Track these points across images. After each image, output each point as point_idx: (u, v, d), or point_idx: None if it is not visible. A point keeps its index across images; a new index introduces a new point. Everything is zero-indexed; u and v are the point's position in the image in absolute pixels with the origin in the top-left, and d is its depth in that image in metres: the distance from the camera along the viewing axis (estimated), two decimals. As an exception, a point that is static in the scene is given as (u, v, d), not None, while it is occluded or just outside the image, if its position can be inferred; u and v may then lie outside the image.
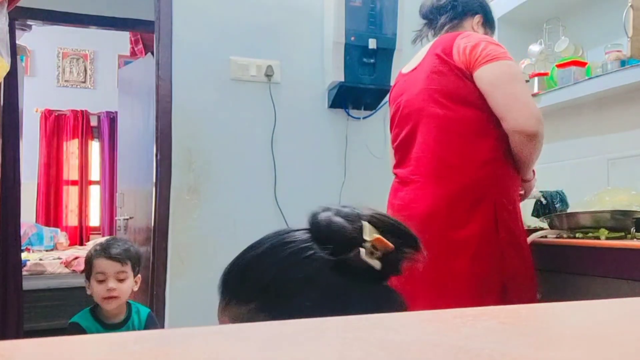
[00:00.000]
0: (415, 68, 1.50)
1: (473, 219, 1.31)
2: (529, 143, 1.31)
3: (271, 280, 0.66)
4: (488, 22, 1.59)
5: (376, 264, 0.61)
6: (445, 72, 1.38)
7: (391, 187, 1.55)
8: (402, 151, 1.50)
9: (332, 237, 0.63)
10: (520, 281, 1.33)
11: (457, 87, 1.36)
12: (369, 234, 0.61)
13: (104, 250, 1.58)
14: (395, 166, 1.54)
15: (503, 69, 1.32)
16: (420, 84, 1.44)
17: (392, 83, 2.29)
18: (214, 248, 2.17)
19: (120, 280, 1.56)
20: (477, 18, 1.55)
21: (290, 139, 2.33)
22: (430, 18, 1.59)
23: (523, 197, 1.57)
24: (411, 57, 1.60)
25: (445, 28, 1.54)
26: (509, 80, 1.32)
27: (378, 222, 0.63)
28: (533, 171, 1.50)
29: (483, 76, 1.32)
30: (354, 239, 0.61)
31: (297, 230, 0.68)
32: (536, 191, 1.69)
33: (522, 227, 1.40)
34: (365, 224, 0.62)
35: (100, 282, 1.56)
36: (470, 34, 1.41)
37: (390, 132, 1.60)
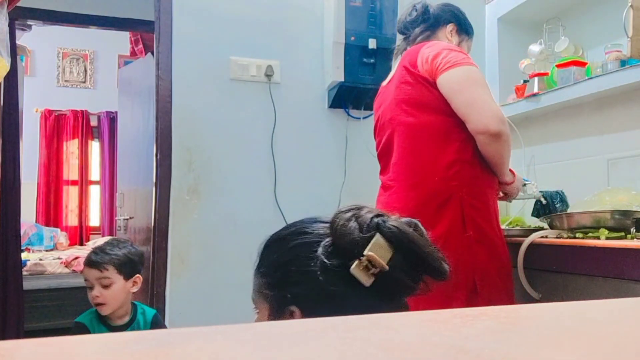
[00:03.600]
0: (390, 80, 1.59)
1: (441, 219, 1.36)
2: (493, 143, 1.36)
3: (281, 265, 0.67)
4: (462, 29, 1.64)
5: (366, 279, 0.59)
6: (412, 82, 1.45)
7: (378, 192, 1.63)
8: (383, 159, 1.59)
9: (339, 240, 0.63)
10: (492, 279, 1.37)
11: (422, 96, 1.44)
12: (373, 247, 0.59)
13: (87, 257, 1.60)
14: (380, 172, 1.63)
15: (463, 75, 1.38)
16: (391, 95, 1.53)
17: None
18: (214, 248, 2.17)
19: (105, 287, 1.56)
20: (450, 27, 1.61)
21: (290, 139, 2.33)
22: (405, 33, 1.66)
23: (506, 198, 1.63)
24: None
25: (420, 38, 1.60)
26: (469, 84, 1.37)
27: (393, 238, 0.61)
28: (512, 172, 1.54)
29: (444, 82, 1.39)
30: (355, 249, 0.61)
31: (323, 222, 0.68)
32: (536, 191, 1.69)
33: (495, 226, 1.44)
34: (377, 237, 0.60)
35: (90, 289, 1.58)
36: (434, 44, 1.47)
37: (375, 141, 1.68)
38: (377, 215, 0.64)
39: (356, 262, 0.60)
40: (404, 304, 0.66)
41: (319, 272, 0.63)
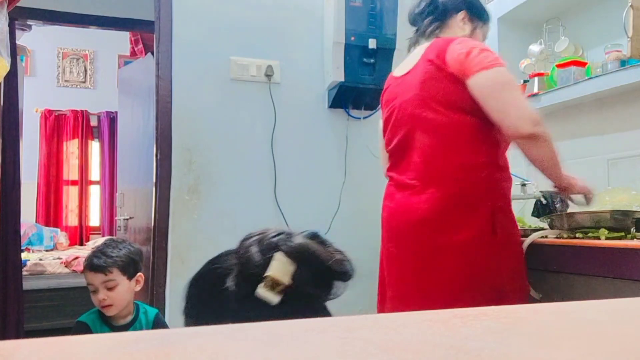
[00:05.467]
0: (408, 72, 1.51)
1: (469, 223, 1.33)
2: (531, 146, 1.33)
3: (195, 307, 0.69)
4: (475, 16, 1.57)
5: (274, 299, 0.61)
6: (440, 79, 1.40)
7: (386, 189, 1.57)
8: (396, 155, 1.53)
9: (244, 268, 0.64)
10: (516, 282, 1.36)
11: (450, 94, 1.39)
12: (275, 266, 0.61)
13: (88, 262, 1.59)
14: (390, 169, 1.56)
15: (495, 77, 1.33)
16: (413, 89, 1.45)
17: (391, 83, 2.31)
18: (214, 248, 2.14)
19: (110, 289, 1.55)
20: (461, 15, 1.54)
21: (290, 139, 2.33)
22: (416, 24, 1.61)
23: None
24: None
25: (431, 30, 1.55)
26: (502, 87, 1.33)
27: (293, 253, 0.63)
28: (564, 175, 1.43)
29: (476, 84, 1.34)
30: (259, 271, 0.62)
31: (230, 253, 0.69)
32: (536, 191, 1.69)
33: (517, 228, 1.44)
34: (278, 257, 0.62)
35: (93, 292, 1.57)
36: (463, 40, 1.42)
37: (383, 135, 1.61)
38: (278, 235, 0.66)
39: (261, 285, 0.61)
40: (323, 310, 0.66)
41: (233, 305, 0.64)
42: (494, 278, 1.32)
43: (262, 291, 0.61)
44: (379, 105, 2.42)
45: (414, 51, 1.56)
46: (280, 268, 0.61)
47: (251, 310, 0.62)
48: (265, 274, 0.61)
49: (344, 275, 0.65)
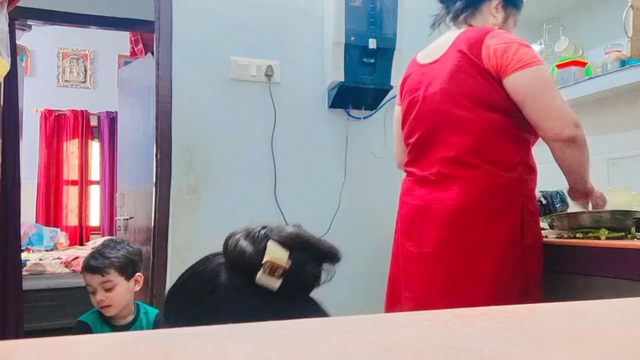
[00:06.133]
0: (436, 61, 1.42)
1: (499, 223, 1.29)
2: (568, 149, 1.29)
3: (187, 312, 0.68)
4: (510, 2, 1.48)
5: (274, 283, 0.61)
6: (472, 74, 1.33)
7: (404, 185, 1.51)
8: (418, 149, 1.46)
9: (237, 262, 0.64)
10: (540, 283, 1.34)
11: (482, 90, 1.32)
12: (270, 254, 0.62)
13: (86, 263, 1.59)
14: (409, 164, 1.49)
15: (535, 76, 1.28)
16: (442, 81, 1.38)
17: (392, 83, 2.29)
18: (214, 248, 2.15)
19: (108, 290, 1.56)
20: (495, 1, 1.46)
21: (290, 139, 2.33)
22: (446, 3, 1.51)
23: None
24: (423, 47, 1.54)
25: (462, 14, 1.46)
26: (541, 88, 1.27)
27: (285, 239, 0.64)
28: (589, 182, 1.40)
29: (515, 84, 1.28)
30: (254, 261, 0.62)
31: (216, 255, 0.70)
32: (537, 191, 1.69)
33: (541, 231, 1.40)
34: (270, 244, 0.63)
35: (92, 293, 1.58)
36: (498, 34, 1.34)
37: (402, 127, 1.54)
38: (263, 228, 0.67)
39: (260, 271, 0.61)
40: (312, 300, 0.67)
41: (227, 300, 0.64)
42: (521, 279, 1.30)
43: (263, 277, 0.61)
44: (379, 105, 2.44)
45: (442, 38, 1.46)
46: (276, 254, 0.62)
47: (248, 302, 0.63)
48: (264, 260, 0.61)
49: (334, 256, 0.66)
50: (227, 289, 0.64)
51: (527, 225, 1.31)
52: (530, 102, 1.28)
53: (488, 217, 1.30)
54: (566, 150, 1.29)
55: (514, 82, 1.28)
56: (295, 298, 0.64)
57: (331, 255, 0.66)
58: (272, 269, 0.61)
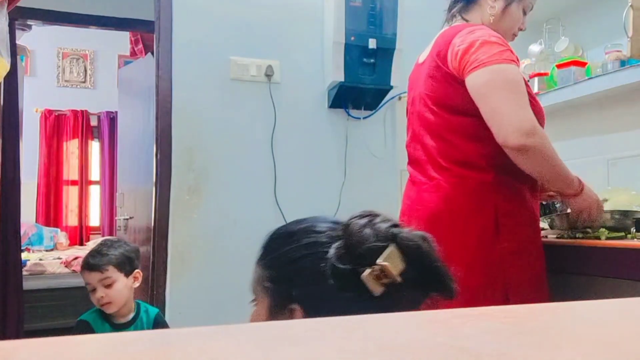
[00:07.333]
0: (423, 62, 1.40)
1: (470, 229, 1.25)
2: (520, 157, 1.19)
3: (289, 260, 0.66)
4: None
5: (377, 289, 0.58)
6: (438, 79, 1.30)
7: (406, 184, 1.51)
8: (409, 149, 1.46)
9: (354, 246, 0.62)
10: (525, 292, 1.24)
11: (448, 96, 1.29)
12: (387, 258, 0.59)
13: (84, 262, 1.62)
14: (408, 163, 1.49)
15: (487, 77, 1.19)
16: (420, 84, 1.38)
17: (392, 83, 2.31)
18: (214, 248, 2.17)
19: (107, 286, 1.57)
20: None
21: (290, 139, 2.33)
22: None
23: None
24: (423, 47, 1.51)
25: (454, 7, 1.41)
26: (491, 89, 1.19)
27: (408, 250, 0.60)
28: (576, 181, 1.30)
29: (469, 86, 1.23)
30: (369, 256, 0.60)
31: (333, 222, 0.67)
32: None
33: (533, 231, 1.32)
34: (392, 248, 0.60)
35: (92, 291, 1.60)
36: (468, 32, 1.27)
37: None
38: (394, 226, 0.63)
39: (369, 270, 0.58)
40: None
41: (329, 275, 0.61)
42: (496, 287, 1.23)
43: (369, 278, 0.58)
44: (379, 105, 2.44)
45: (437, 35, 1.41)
46: (392, 261, 0.58)
47: (345, 290, 0.60)
48: (378, 261, 0.58)
49: (448, 290, 0.61)
50: (333, 267, 0.61)
51: (503, 229, 1.23)
52: (480, 104, 1.21)
53: (459, 220, 1.26)
54: (518, 158, 1.19)
55: (468, 84, 1.23)
56: (387, 310, 0.62)
57: (446, 288, 0.62)
58: (381, 274, 0.58)
